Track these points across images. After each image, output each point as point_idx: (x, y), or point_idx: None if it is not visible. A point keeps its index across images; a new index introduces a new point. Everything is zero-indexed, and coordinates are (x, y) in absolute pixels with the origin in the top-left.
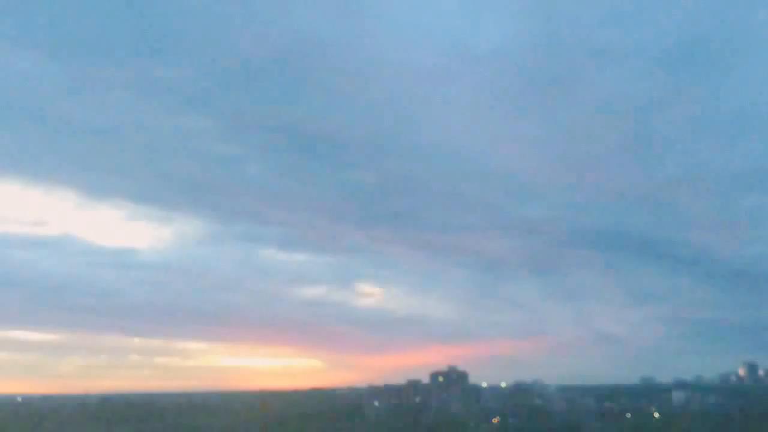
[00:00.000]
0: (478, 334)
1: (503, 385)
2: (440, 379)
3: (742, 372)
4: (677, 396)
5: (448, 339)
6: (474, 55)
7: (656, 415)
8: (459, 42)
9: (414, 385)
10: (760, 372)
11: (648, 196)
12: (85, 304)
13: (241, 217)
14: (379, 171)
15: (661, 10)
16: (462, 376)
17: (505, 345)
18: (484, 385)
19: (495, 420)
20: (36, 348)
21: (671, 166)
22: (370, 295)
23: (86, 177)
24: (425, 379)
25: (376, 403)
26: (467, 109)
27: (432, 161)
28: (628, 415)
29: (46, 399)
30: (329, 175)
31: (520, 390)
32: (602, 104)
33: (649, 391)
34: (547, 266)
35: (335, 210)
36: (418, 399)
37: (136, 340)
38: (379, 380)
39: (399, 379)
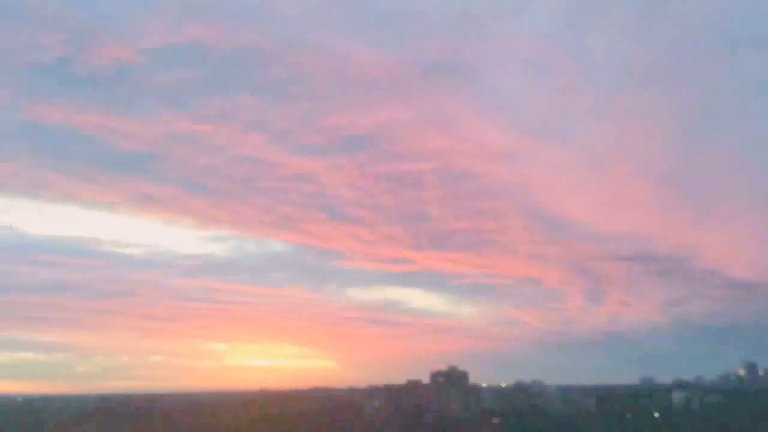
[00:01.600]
0: None
1: (503, 385)
2: (440, 379)
3: (742, 372)
4: (677, 396)
5: None
6: None
7: (656, 415)
8: None
9: (414, 385)
10: (760, 372)
11: None
12: None
13: None
14: None
15: None
16: (462, 376)
17: None
18: (484, 385)
19: (495, 420)
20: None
21: None
22: None
23: None
24: (425, 379)
25: (376, 403)
26: None
27: None
28: (628, 415)
29: (45, 399)
30: None
31: (520, 390)
32: None
33: (649, 391)
34: None
35: None
36: (418, 399)
37: None
38: (379, 380)
39: (399, 379)
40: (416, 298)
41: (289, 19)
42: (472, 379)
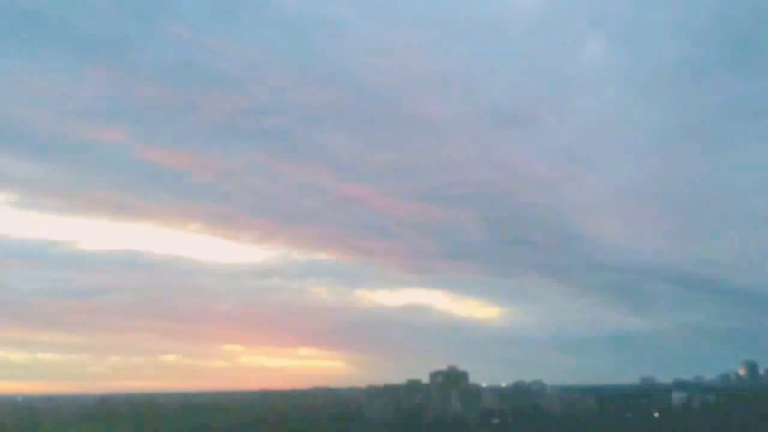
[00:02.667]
0: None
1: (503, 385)
2: (440, 379)
3: (742, 372)
4: (677, 396)
5: None
6: None
7: (656, 415)
8: None
9: (414, 385)
10: (760, 372)
11: None
12: None
13: None
14: None
15: None
16: (462, 376)
17: None
18: (484, 385)
19: (495, 420)
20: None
21: None
22: None
23: None
24: (425, 379)
25: (376, 403)
26: None
27: None
28: (628, 415)
29: (45, 399)
30: None
31: (520, 390)
32: None
33: (649, 391)
34: None
35: None
36: (418, 399)
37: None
38: (378, 380)
39: (399, 379)
40: None
41: None
42: (472, 379)
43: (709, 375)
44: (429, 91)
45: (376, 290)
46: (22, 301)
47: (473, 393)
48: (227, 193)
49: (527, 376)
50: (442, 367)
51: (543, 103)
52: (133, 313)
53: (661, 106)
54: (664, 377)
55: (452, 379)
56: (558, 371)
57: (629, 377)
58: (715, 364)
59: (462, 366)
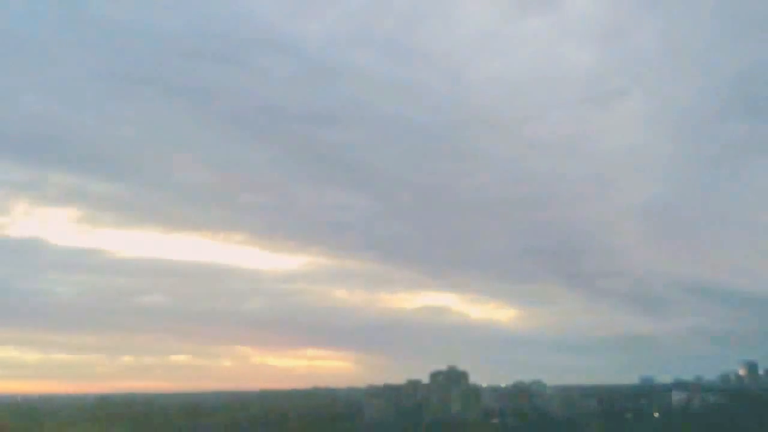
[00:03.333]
0: None
1: (503, 385)
2: (440, 379)
3: (742, 372)
4: (677, 396)
5: None
6: None
7: (656, 415)
8: None
9: (414, 385)
10: (760, 372)
11: None
12: None
13: None
14: None
15: None
16: (462, 376)
17: None
18: (484, 385)
19: (495, 420)
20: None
21: None
22: None
23: None
24: (425, 379)
25: (376, 403)
26: None
27: None
28: (628, 415)
29: (45, 399)
30: None
31: (520, 390)
32: None
33: (649, 391)
34: None
35: None
36: (418, 399)
37: None
38: (378, 380)
39: (399, 379)
40: None
41: None
42: (472, 379)
43: (709, 375)
44: None
45: (398, 293)
46: (61, 304)
47: (473, 393)
48: (268, 207)
49: (527, 376)
50: (442, 366)
51: (582, 137)
52: (159, 314)
53: (681, 142)
54: (664, 377)
55: (452, 379)
56: (566, 371)
57: (629, 377)
58: (715, 364)
59: (475, 366)
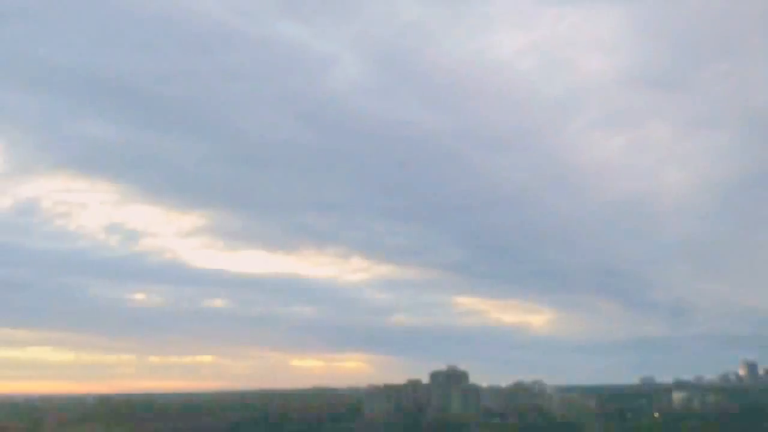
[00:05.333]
0: None
1: (503, 385)
2: (440, 379)
3: (742, 371)
4: (677, 396)
5: None
6: None
7: (656, 415)
8: None
9: (414, 385)
10: (760, 372)
11: None
12: None
13: None
14: None
15: None
16: (462, 376)
17: None
18: (484, 385)
19: (495, 420)
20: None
21: None
22: None
23: None
24: (425, 379)
25: (376, 403)
26: None
27: None
28: (629, 415)
29: (45, 399)
30: None
31: (520, 390)
32: None
33: (649, 391)
34: None
35: None
36: (418, 399)
37: None
38: (379, 380)
39: (399, 379)
40: None
41: None
42: (472, 379)
43: (709, 375)
44: None
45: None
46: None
47: (473, 393)
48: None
49: (527, 376)
50: (442, 366)
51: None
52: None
53: (718, 202)
54: (664, 377)
55: (452, 379)
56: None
57: (630, 377)
58: (716, 364)
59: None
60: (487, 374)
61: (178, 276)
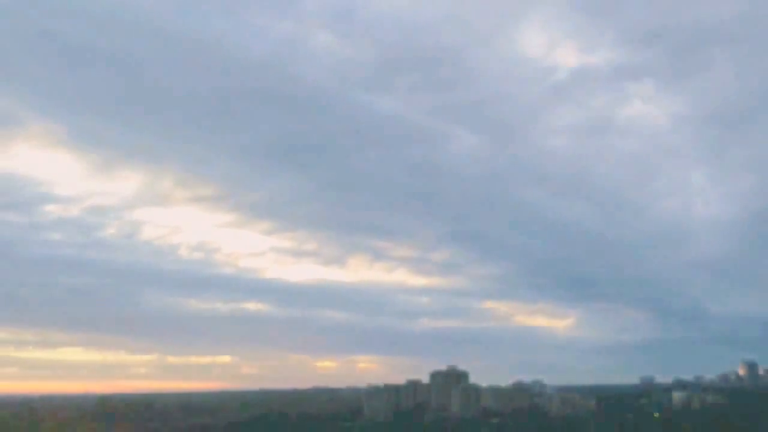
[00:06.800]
0: None
1: (503, 385)
2: (440, 379)
3: (742, 371)
4: (677, 396)
5: None
6: None
7: (656, 415)
8: None
9: (414, 385)
10: (760, 372)
11: None
12: None
13: None
14: None
15: None
16: (462, 376)
17: None
18: (484, 385)
19: (495, 420)
20: None
21: None
22: None
23: None
24: (425, 379)
25: (376, 403)
26: None
27: None
28: (629, 415)
29: (45, 399)
30: None
31: (520, 390)
32: None
33: (649, 391)
34: None
35: None
36: (418, 399)
37: None
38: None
39: (399, 379)
40: None
41: None
42: (472, 379)
43: (709, 375)
44: None
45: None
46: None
47: (473, 393)
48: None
49: (527, 376)
50: (442, 366)
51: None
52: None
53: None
54: (664, 377)
55: (452, 379)
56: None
57: (630, 377)
58: (716, 364)
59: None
60: (487, 374)
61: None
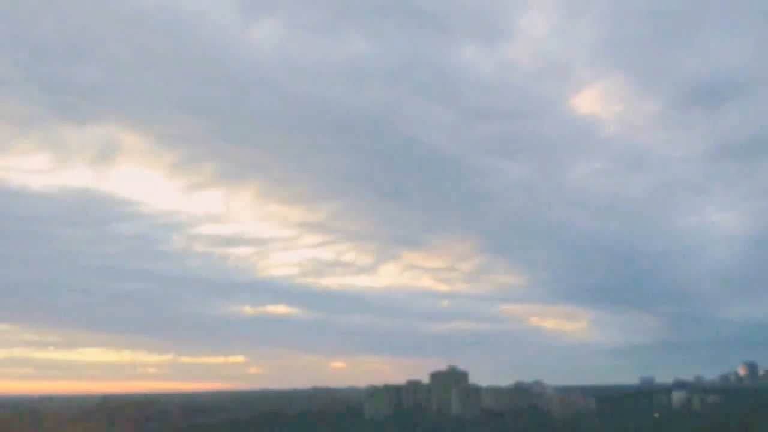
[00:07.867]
0: None
1: (503, 385)
2: (440, 379)
3: (742, 372)
4: (677, 396)
5: None
6: None
7: (656, 415)
8: None
9: (414, 385)
10: (760, 372)
11: None
12: None
13: None
14: None
15: None
16: (462, 376)
17: None
18: (484, 385)
19: (495, 420)
20: None
21: None
22: None
23: None
24: (425, 379)
25: (376, 403)
26: None
27: None
28: (629, 415)
29: (45, 399)
30: None
31: (520, 390)
32: None
33: (649, 391)
34: None
35: None
36: (418, 399)
37: None
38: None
39: (399, 379)
40: None
41: None
42: (472, 379)
43: (709, 375)
44: None
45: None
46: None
47: (473, 393)
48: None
49: (527, 376)
50: (443, 367)
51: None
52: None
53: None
54: (664, 377)
55: (452, 379)
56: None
57: (630, 377)
58: (716, 364)
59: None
60: (487, 374)
61: None
